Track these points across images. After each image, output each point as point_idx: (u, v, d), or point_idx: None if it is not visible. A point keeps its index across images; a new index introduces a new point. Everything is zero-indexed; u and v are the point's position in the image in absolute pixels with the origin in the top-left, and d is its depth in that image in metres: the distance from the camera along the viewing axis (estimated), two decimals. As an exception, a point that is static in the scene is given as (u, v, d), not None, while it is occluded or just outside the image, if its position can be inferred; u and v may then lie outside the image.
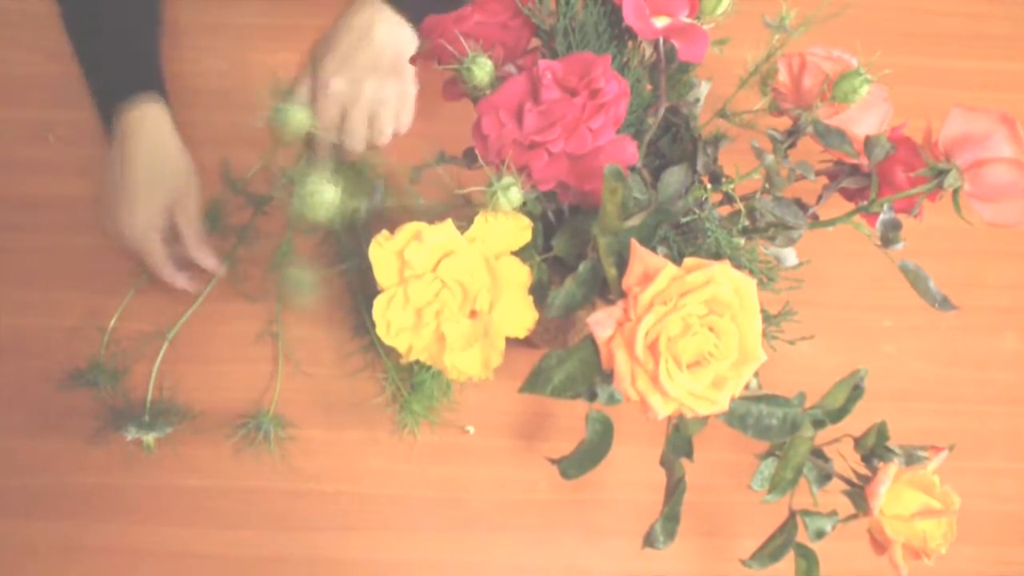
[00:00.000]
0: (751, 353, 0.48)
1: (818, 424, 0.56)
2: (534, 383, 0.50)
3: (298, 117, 0.60)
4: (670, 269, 0.46)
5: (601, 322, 0.48)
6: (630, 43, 0.55)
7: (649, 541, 0.54)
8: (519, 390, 0.50)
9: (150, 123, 0.72)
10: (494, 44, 0.54)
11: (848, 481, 0.57)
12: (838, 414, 0.57)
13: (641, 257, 0.47)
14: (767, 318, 0.56)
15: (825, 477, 0.57)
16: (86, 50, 0.76)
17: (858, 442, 0.59)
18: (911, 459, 0.57)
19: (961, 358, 0.78)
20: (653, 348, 0.47)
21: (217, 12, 0.72)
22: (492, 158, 0.51)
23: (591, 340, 0.49)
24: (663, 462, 0.56)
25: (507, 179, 0.49)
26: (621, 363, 0.47)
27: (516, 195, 0.49)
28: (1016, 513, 0.74)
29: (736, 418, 0.52)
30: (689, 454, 0.55)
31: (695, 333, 0.46)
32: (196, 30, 0.81)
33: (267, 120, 0.59)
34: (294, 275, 0.58)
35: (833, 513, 0.57)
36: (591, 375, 0.50)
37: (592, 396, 0.52)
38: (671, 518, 0.54)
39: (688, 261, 0.47)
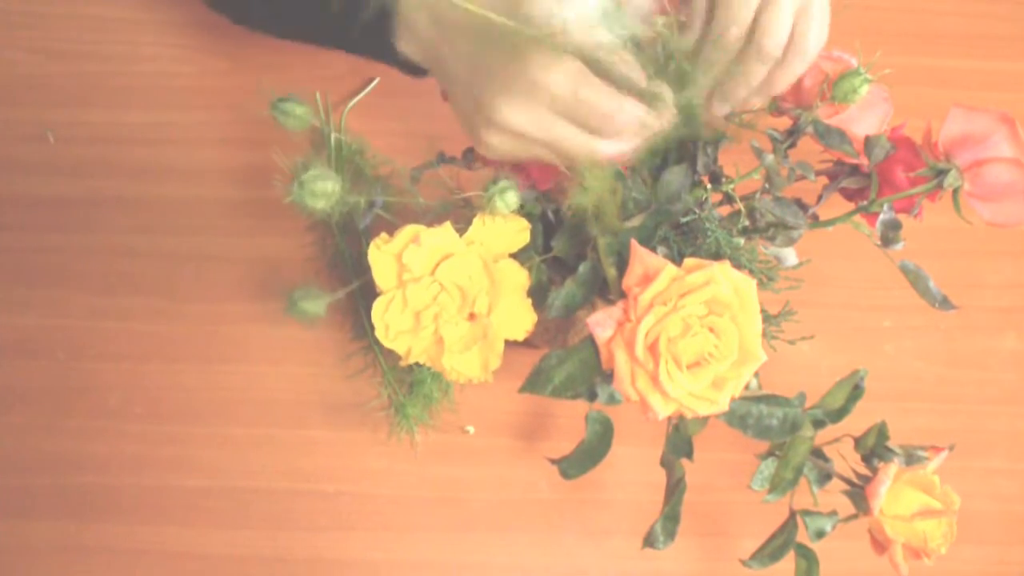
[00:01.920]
0: (751, 353, 0.48)
1: (818, 424, 0.56)
2: (534, 383, 0.50)
3: (298, 111, 0.60)
4: (670, 270, 0.46)
5: (601, 323, 0.48)
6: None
7: (649, 541, 0.54)
8: (519, 390, 0.50)
9: None
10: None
11: (848, 481, 0.57)
12: (838, 414, 0.57)
13: (641, 258, 0.47)
14: (767, 318, 0.56)
15: (825, 477, 0.57)
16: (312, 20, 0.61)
17: (858, 442, 0.59)
18: (911, 459, 0.57)
19: (961, 358, 0.78)
20: (653, 349, 0.47)
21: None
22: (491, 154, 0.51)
23: (591, 340, 0.49)
24: (663, 462, 0.56)
25: (504, 182, 0.49)
26: (621, 364, 0.47)
27: (513, 198, 0.49)
28: (1017, 513, 0.74)
29: (736, 418, 0.52)
30: (689, 454, 0.55)
31: (695, 334, 0.46)
32: (197, 30, 0.81)
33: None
34: (300, 298, 0.58)
35: (833, 513, 0.57)
36: (591, 375, 0.50)
37: (592, 396, 0.52)
38: (671, 518, 0.54)
39: (688, 261, 0.47)
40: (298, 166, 0.49)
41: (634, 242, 0.48)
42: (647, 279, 0.47)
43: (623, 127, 0.48)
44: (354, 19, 0.55)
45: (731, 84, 0.53)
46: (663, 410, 0.47)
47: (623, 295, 0.48)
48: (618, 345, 0.48)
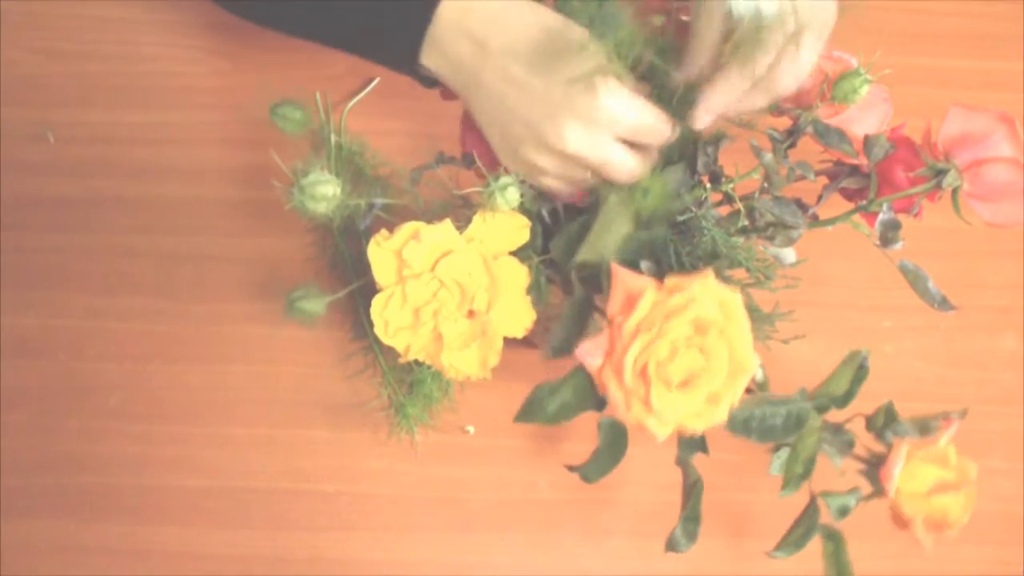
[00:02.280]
0: (742, 365, 0.47)
1: (823, 409, 0.55)
2: (528, 413, 0.49)
3: (296, 115, 0.60)
4: (651, 294, 0.45)
5: (590, 352, 0.47)
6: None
7: (671, 545, 0.53)
8: (514, 419, 0.50)
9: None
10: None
11: (863, 460, 0.56)
12: (843, 399, 0.56)
13: (623, 281, 0.46)
14: (761, 316, 0.56)
15: (847, 447, 0.55)
16: (343, 20, 0.59)
17: (869, 421, 0.58)
18: (925, 430, 0.55)
19: (961, 358, 0.78)
20: (643, 374, 0.46)
21: (218, 11, 0.71)
22: (477, 147, 0.51)
23: (584, 368, 0.48)
24: (679, 461, 0.55)
25: (505, 179, 0.49)
26: (614, 391, 0.47)
27: (514, 195, 0.49)
28: (1016, 513, 0.74)
29: (739, 424, 0.51)
30: (704, 449, 0.54)
31: (683, 355, 0.46)
32: (197, 30, 0.81)
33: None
34: (299, 299, 0.58)
35: (855, 489, 0.55)
36: (587, 400, 0.49)
37: (601, 406, 0.51)
38: (691, 519, 0.53)
39: (669, 281, 0.46)
40: (297, 170, 0.49)
41: (614, 265, 0.47)
42: (630, 303, 0.46)
43: (664, 140, 0.51)
44: (379, 31, 0.57)
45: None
46: (661, 432, 0.47)
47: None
48: (608, 375, 0.47)
